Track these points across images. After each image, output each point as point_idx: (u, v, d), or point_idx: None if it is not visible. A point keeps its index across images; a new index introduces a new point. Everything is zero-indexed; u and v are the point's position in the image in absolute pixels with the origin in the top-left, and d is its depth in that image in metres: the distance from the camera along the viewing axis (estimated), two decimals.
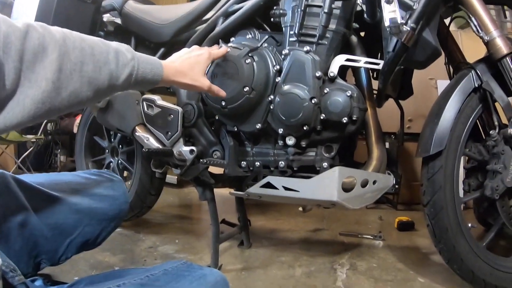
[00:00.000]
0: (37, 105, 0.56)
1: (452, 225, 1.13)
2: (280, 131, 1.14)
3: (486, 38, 1.12)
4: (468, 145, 1.23)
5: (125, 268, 1.33)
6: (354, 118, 1.10)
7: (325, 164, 1.15)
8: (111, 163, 1.81)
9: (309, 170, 1.18)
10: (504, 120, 1.16)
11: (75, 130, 2.07)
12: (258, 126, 1.18)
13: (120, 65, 0.68)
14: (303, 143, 1.16)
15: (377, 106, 1.30)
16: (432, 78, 2.23)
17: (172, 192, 2.67)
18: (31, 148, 2.87)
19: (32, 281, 0.67)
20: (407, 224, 1.81)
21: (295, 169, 1.19)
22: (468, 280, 1.15)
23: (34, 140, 2.86)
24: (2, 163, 2.95)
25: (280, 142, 1.18)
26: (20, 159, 2.83)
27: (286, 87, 1.11)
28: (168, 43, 1.49)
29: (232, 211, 1.58)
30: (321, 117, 1.11)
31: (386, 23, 0.98)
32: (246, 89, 1.12)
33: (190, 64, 0.90)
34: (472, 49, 1.50)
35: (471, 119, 1.16)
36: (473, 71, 1.16)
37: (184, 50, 0.96)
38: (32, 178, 0.83)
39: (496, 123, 1.16)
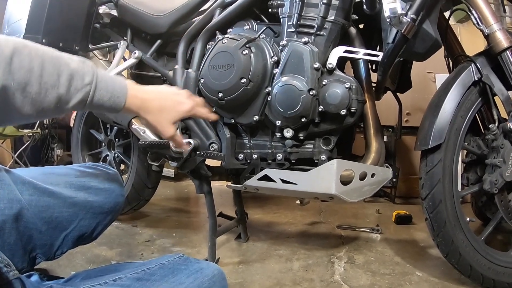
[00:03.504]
0: None
1: (450, 219, 1.12)
2: (278, 123, 1.13)
3: (486, 31, 1.11)
4: (467, 139, 1.23)
5: (122, 262, 1.32)
6: (352, 110, 1.09)
7: (323, 157, 1.14)
8: (107, 157, 1.80)
9: (307, 163, 1.17)
10: (504, 114, 1.15)
11: (71, 123, 2.05)
12: (256, 118, 1.17)
13: (72, 90, 0.64)
14: (301, 135, 1.15)
15: (375, 98, 1.29)
16: (430, 72, 2.23)
17: (169, 185, 2.66)
18: (28, 142, 2.84)
19: (28, 276, 0.66)
20: (405, 217, 1.81)
21: (292, 161, 1.18)
22: (466, 274, 1.15)
23: (31, 134, 2.84)
24: None
25: (278, 134, 1.17)
26: (16, 154, 2.81)
27: (284, 79, 1.10)
28: (164, 34, 1.47)
29: (229, 204, 1.57)
30: (319, 109, 1.10)
31: (386, 13, 0.97)
32: (243, 80, 1.11)
33: (161, 106, 0.79)
34: (471, 44, 1.49)
35: (470, 112, 1.16)
36: (472, 64, 1.15)
37: (172, 88, 0.86)
38: (26, 172, 0.82)
39: (495, 117, 1.16)
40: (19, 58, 0.58)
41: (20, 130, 2.72)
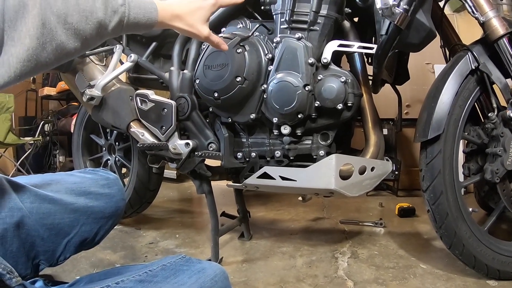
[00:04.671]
0: (23, 63, 0.55)
1: (452, 210, 1.11)
2: (275, 120, 1.13)
3: (481, 19, 1.10)
4: (466, 129, 1.22)
5: (125, 265, 1.32)
6: (349, 104, 1.08)
7: (321, 152, 1.13)
8: (108, 161, 1.80)
9: (306, 159, 1.16)
10: (503, 102, 1.14)
11: (72, 129, 2.06)
12: (252, 116, 1.16)
13: (109, 12, 0.65)
14: (299, 132, 1.14)
15: (373, 92, 1.29)
16: (429, 63, 2.21)
17: (172, 186, 2.66)
18: (30, 150, 2.86)
19: (33, 282, 0.66)
20: (408, 210, 1.80)
21: (291, 158, 1.17)
22: (470, 265, 1.14)
23: (32, 142, 2.86)
24: (1, 166, 2.94)
25: (275, 132, 1.16)
26: (19, 162, 2.83)
27: (279, 75, 1.09)
28: (159, 36, 1.47)
29: (232, 203, 1.57)
30: (316, 104, 1.09)
31: (378, 5, 0.96)
32: (239, 79, 1.11)
33: (190, 9, 0.84)
34: (468, 33, 1.47)
35: (469, 102, 1.15)
36: (469, 53, 1.14)
37: None
38: (27, 179, 0.82)
39: (494, 105, 1.15)
40: (50, 9, 0.58)
41: (21, 138, 2.74)
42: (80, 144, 1.89)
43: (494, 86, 1.14)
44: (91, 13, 0.63)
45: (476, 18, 1.11)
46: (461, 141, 1.18)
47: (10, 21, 0.54)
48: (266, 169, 1.15)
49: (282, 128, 1.14)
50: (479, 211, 1.59)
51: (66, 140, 3.14)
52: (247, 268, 1.29)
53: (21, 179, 0.80)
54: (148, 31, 0.77)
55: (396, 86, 1.45)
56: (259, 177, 1.16)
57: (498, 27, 1.08)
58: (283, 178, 1.13)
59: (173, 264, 0.65)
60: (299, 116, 1.09)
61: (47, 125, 3.03)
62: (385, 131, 2.20)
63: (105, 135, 1.80)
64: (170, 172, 2.64)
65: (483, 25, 1.10)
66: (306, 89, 1.07)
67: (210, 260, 1.26)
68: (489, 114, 1.13)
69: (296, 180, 1.11)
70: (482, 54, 1.13)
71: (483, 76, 1.12)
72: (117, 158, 1.77)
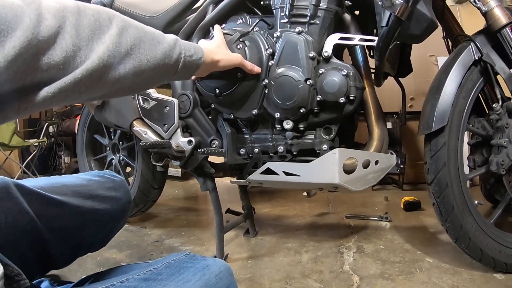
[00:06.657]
0: (89, 77, 0.53)
1: (458, 203, 1.10)
2: (277, 115, 1.12)
3: (484, 8, 1.09)
4: (471, 120, 1.21)
5: (131, 263, 1.33)
6: (351, 98, 1.07)
7: (324, 147, 1.12)
8: (113, 160, 1.81)
9: (309, 154, 1.16)
10: (507, 93, 1.13)
11: (76, 130, 2.07)
12: (254, 111, 1.16)
13: (171, 44, 0.68)
14: (301, 126, 1.14)
15: (376, 85, 1.27)
16: (432, 55, 2.19)
17: (177, 184, 2.67)
18: (35, 152, 2.88)
19: (39, 282, 0.67)
20: (413, 203, 1.79)
21: (294, 153, 1.17)
22: (477, 259, 1.13)
23: (37, 144, 2.87)
24: (7, 169, 2.96)
25: (278, 127, 1.16)
26: (24, 164, 2.84)
27: (279, 70, 1.08)
28: None
29: (237, 200, 1.57)
30: (318, 99, 1.08)
31: None
32: (239, 74, 1.10)
33: (215, 45, 0.98)
34: (471, 24, 1.46)
35: (472, 93, 1.13)
36: (472, 44, 1.13)
37: (211, 39, 1.04)
38: (33, 183, 0.82)
39: (498, 96, 1.13)
40: (121, 16, 0.60)
41: (26, 140, 2.76)
42: (84, 145, 1.90)
43: (498, 76, 1.12)
44: (158, 42, 0.65)
45: (478, 8, 1.09)
46: (466, 133, 1.17)
47: (87, 39, 0.53)
48: (269, 164, 1.14)
49: (284, 123, 1.13)
50: (486, 204, 1.58)
51: (71, 141, 3.15)
52: (253, 264, 1.29)
53: (27, 182, 0.80)
54: (195, 72, 0.81)
55: (399, 79, 1.44)
56: (263, 173, 1.16)
57: (501, 17, 1.07)
58: (286, 174, 1.12)
59: (178, 262, 0.65)
60: (301, 110, 1.09)
61: (51, 126, 3.05)
62: (389, 125, 2.19)
63: (109, 135, 1.81)
64: (175, 170, 2.64)
65: (485, 15, 1.09)
66: (308, 83, 1.06)
67: (215, 257, 1.26)
68: (494, 105, 1.12)
69: (299, 175, 1.11)
70: (485, 45, 1.12)
71: (486, 67, 1.11)
72: (121, 157, 1.78)
